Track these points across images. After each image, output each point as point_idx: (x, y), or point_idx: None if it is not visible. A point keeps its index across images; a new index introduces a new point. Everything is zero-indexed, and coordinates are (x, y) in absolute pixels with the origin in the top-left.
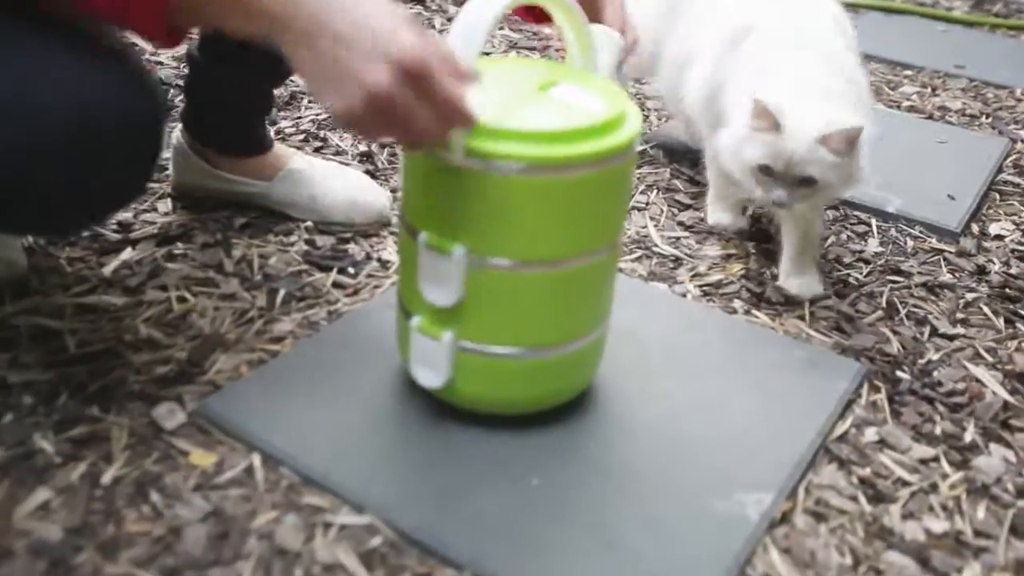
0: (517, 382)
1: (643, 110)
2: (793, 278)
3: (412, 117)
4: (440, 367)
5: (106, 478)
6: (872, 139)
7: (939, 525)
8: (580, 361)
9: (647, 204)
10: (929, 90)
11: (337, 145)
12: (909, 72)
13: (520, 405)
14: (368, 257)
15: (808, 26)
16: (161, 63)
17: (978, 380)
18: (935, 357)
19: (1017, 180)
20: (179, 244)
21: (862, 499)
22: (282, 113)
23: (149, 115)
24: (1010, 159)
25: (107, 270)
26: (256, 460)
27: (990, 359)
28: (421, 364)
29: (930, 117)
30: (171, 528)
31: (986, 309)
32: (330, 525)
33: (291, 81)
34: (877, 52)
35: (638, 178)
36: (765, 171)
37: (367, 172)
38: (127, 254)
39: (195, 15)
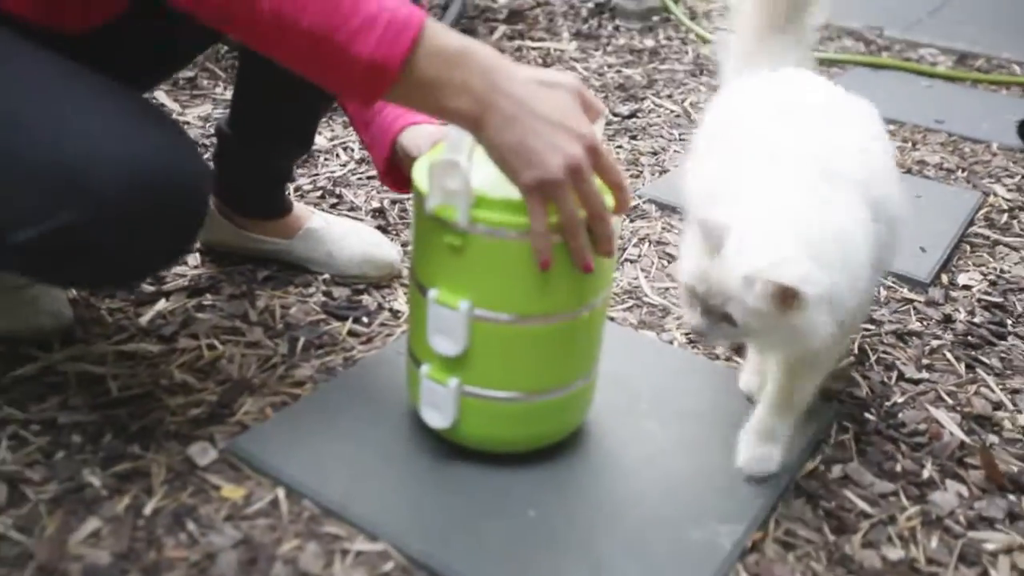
0: (516, 423)
1: (637, 165)
2: (747, 445)
3: (593, 185)
4: (447, 410)
5: (147, 509)
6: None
7: (895, 553)
8: (572, 404)
9: (639, 256)
10: (910, 144)
11: (351, 201)
12: (892, 127)
13: (518, 444)
14: (380, 307)
15: (820, 153)
16: (188, 123)
17: (937, 421)
18: (900, 400)
19: (987, 232)
20: (208, 296)
21: (826, 530)
22: (300, 171)
23: (198, 179)
24: (982, 212)
25: (144, 320)
26: (281, 493)
27: (950, 402)
28: (429, 407)
29: (908, 171)
30: (206, 554)
31: (949, 355)
32: (347, 552)
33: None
34: None
35: (631, 231)
36: (692, 292)
37: (379, 227)
38: (161, 305)
39: (408, 97)
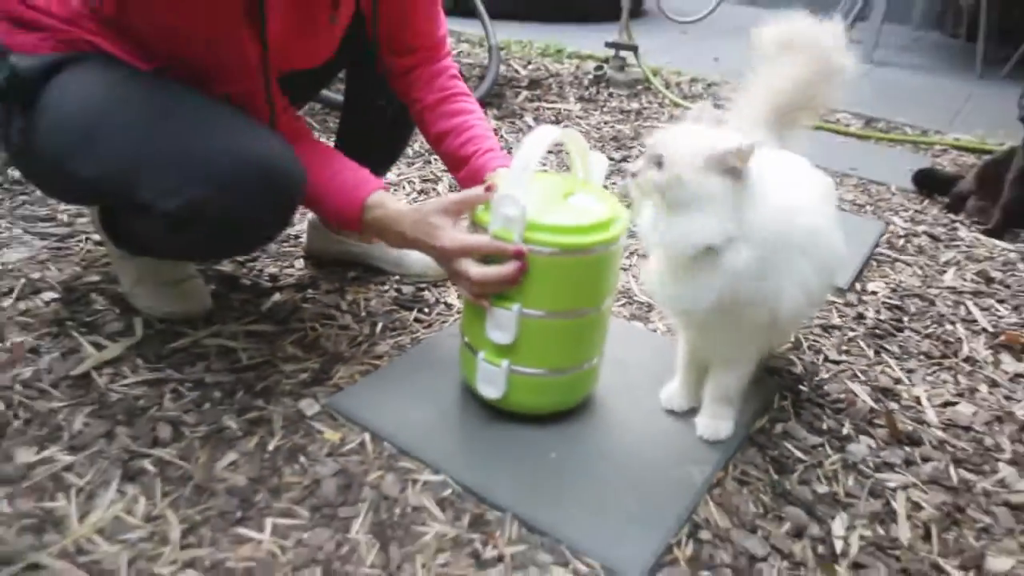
0: (547, 393)
1: (628, 198)
2: (704, 418)
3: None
4: (499, 384)
5: (270, 447)
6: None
7: (823, 488)
8: (587, 378)
9: (630, 266)
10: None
11: None
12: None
13: (547, 408)
14: (437, 301)
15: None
16: None
17: (853, 392)
18: (826, 376)
19: (889, 252)
20: (310, 290)
21: (771, 471)
22: None
23: (292, 172)
24: (885, 237)
25: (264, 307)
26: (367, 437)
27: (863, 378)
28: (485, 383)
29: None
30: (314, 480)
31: (862, 343)
32: (417, 481)
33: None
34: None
35: (625, 248)
36: (650, 151)
37: None
38: (276, 297)
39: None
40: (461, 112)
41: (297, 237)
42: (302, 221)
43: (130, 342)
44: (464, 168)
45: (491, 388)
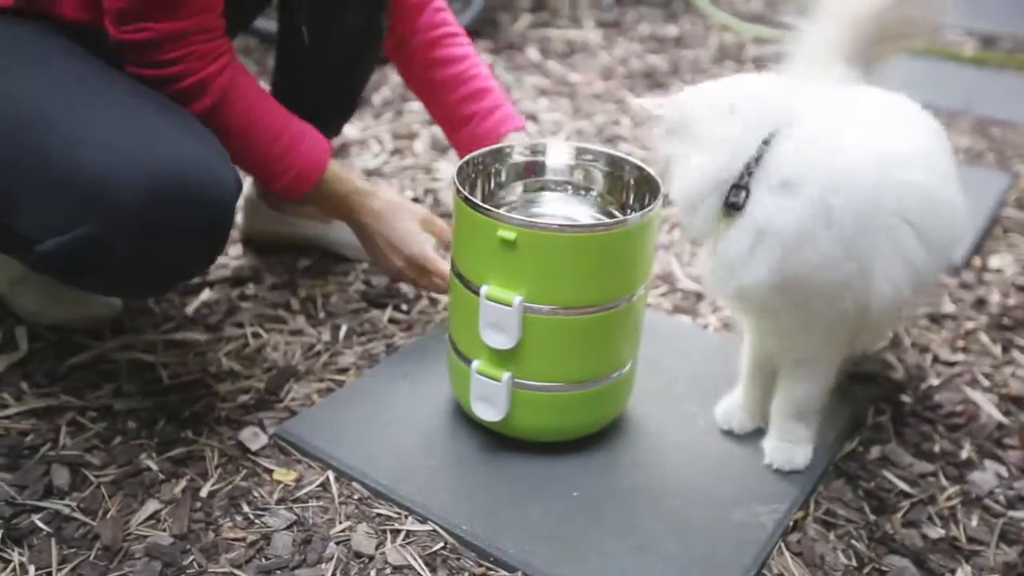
0: (562, 412)
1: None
2: (773, 441)
3: (420, 286)
4: (500, 404)
5: (204, 492)
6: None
7: (936, 532)
8: (615, 391)
9: (671, 243)
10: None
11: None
12: None
13: (565, 433)
14: (419, 295)
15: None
16: None
17: (974, 402)
18: (936, 382)
19: (1018, 215)
20: (250, 285)
21: (867, 509)
22: (336, 161)
23: (222, 191)
24: (1012, 194)
25: (189, 309)
26: (331, 476)
27: (986, 383)
28: (481, 401)
29: None
30: (262, 535)
31: (984, 337)
32: (398, 532)
33: (343, 133)
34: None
35: (663, 217)
36: None
37: None
38: (206, 295)
39: (317, 206)
40: (456, 59)
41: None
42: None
43: (11, 359)
44: (464, 129)
45: (489, 408)
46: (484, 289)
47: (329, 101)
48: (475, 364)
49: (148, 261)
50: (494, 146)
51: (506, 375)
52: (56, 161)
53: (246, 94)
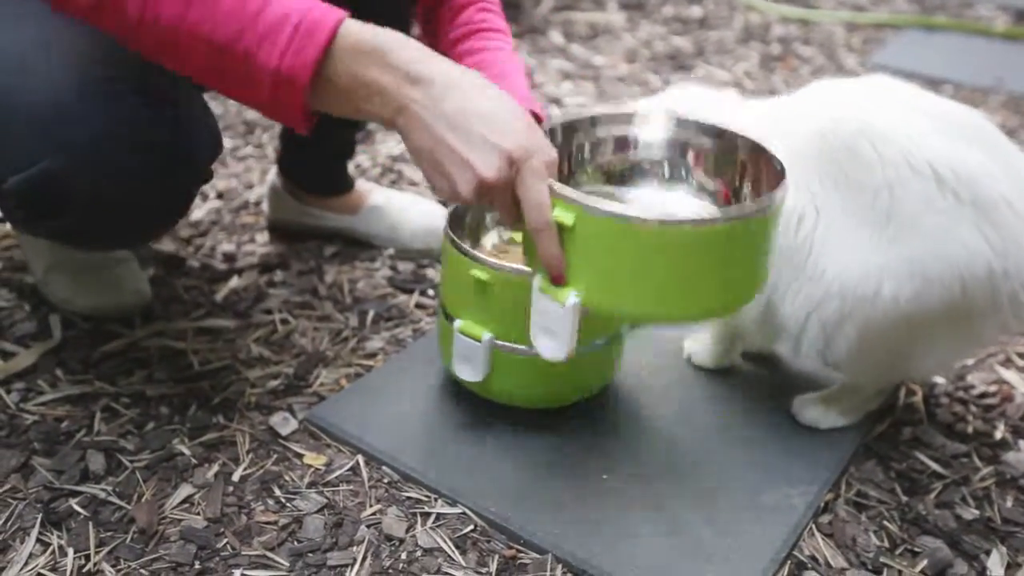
0: (543, 377)
1: None
2: (811, 406)
3: (509, 204)
4: (478, 364)
5: (236, 476)
6: None
7: (970, 513)
8: (600, 359)
9: None
10: (970, 104)
11: (410, 177)
12: (949, 88)
13: (549, 399)
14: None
15: None
16: None
17: (1008, 383)
18: (969, 362)
19: None
20: (278, 272)
21: (899, 490)
22: (359, 148)
23: (187, 136)
24: None
25: (218, 296)
26: (360, 460)
27: (1021, 363)
28: (462, 361)
29: None
30: (294, 518)
31: None
32: (428, 515)
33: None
34: (917, 69)
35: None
36: None
37: (440, 201)
38: (234, 282)
39: (324, 104)
40: (484, 49)
41: (257, 204)
42: (261, 183)
43: (46, 347)
44: None
45: (468, 368)
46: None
47: None
48: (458, 323)
49: (110, 203)
50: (573, 116)
51: (487, 336)
52: (13, 98)
53: None
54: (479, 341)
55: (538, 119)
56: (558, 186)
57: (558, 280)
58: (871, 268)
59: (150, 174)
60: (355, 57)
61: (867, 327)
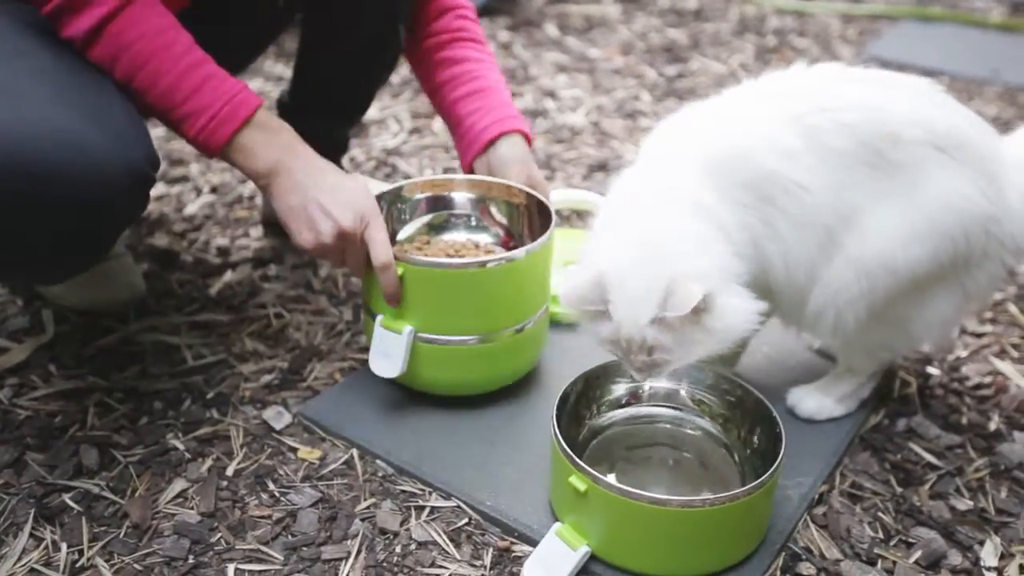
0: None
1: None
2: (807, 397)
3: (358, 252)
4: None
5: (229, 471)
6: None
7: (964, 504)
8: (520, 345)
9: None
10: (966, 96)
11: (405, 171)
12: (945, 79)
13: (472, 387)
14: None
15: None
16: None
17: (1003, 374)
18: (963, 354)
19: None
20: (272, 266)
21: (893, 481)
22: (353, 142)
23: (107, 167)
24: None
25: (212, 291)
26: (355, 454)
27: (1015, 354)
28: (380, 356)
29: None
30: (288, 512)
31: (1013, 308)
32: (422, 508)
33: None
34: (912, 61)
35: None
36: (615, 352)
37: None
38: (228, 276)
39: (231, 161)
40: (466, 60)
41: (251, 198)
42: None
43: (39, 342)
44: (458, 130)
45: (387, 363)
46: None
47: (349, 95)
48: (379, 318)
49: (17, 241)
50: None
51: (407, 328)
52: None
53: (151, 16)
54: (400, 333)
55: (527, 138)
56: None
57: (393, 303)
58: (895, 238)
59: (47, 208)
60: (255, 138)
61: (882, 297)
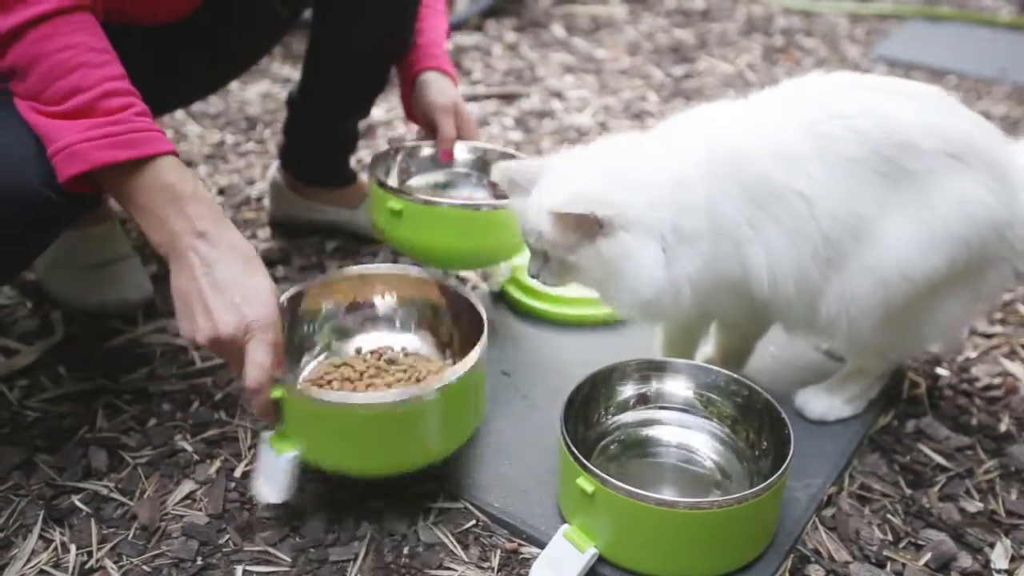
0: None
1: None
2: (816, 399)
3: (238, 362)
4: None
5: (237, 472)
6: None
7: (974, 506)
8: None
9: None
10: (974, 95)
11: None
12: (953, 79)
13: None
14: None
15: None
16: (247, 100)
17: (1013, 375)
18: (973, 355)
19: None
20: (280, 267)
21: (902, 483)
22: (360, 142)
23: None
24: None
25: None
26: None
27: None
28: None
29: None
30: (295, 513)
31: (1023, 309)
32: (430, 510)
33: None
34: (920, 60)
35: None
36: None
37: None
38: None
39: (116, 199)
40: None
41: (259, 199)
42: (263, 179)
43: (48, 344)
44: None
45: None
46: None
47: (361, 83)
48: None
49: None
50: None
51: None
52: None
53: (82, 33)
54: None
55: (448, 75)
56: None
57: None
58: (912, 247)
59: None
60: (158, 192)
61: (900, 305)
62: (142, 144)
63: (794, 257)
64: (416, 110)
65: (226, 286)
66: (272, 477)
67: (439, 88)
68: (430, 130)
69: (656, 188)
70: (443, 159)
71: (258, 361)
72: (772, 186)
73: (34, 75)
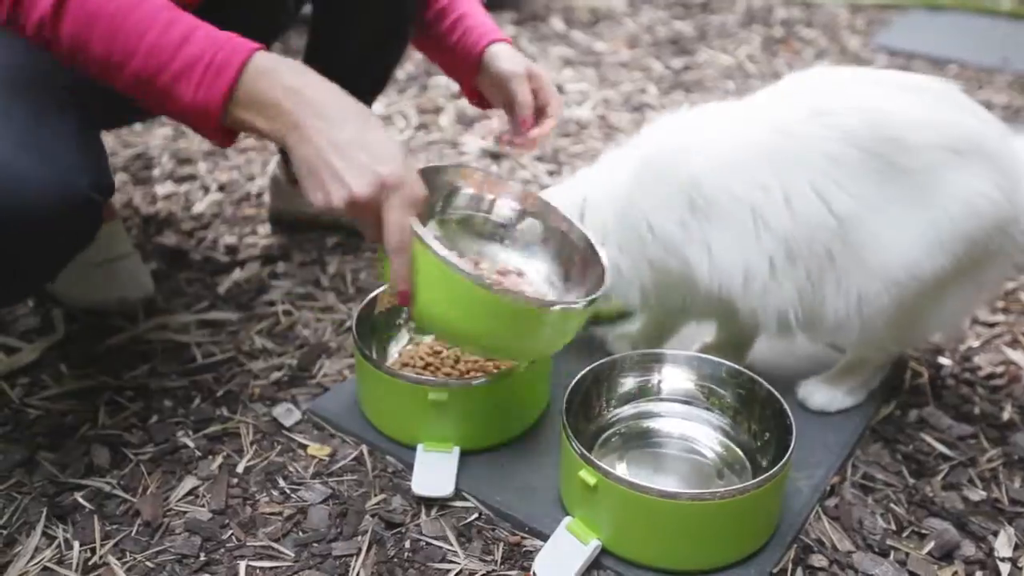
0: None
1: None
2: (818, 390)
3: (373, 224)
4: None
5: (240, 468)
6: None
7: (977, 495)
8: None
9: None
10: (975, 84)
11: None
12: (954, 68)
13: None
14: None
15: None
16: None
17: (1015, 363)
18: (975, 343)
19: None
20: (280, 263)
21: (905, 472)
22: None
23: (36, 195)
24: None
25: (221, 289)
26: (364, 450)
27: None
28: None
29: None
30: (299, 508)
31: None
32: (432, 504)
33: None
34: (921, 50)
35: None
36: None
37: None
38: (236, 274)
39: (242, 125)
40: (439, 2)
41: (259, 195)
42: (263, 175)
43: (50, 342)
44: (450, 56)
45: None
46: None
47: (362, 78)
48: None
49: None
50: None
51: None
52: None
53: None
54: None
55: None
56: (420, 228)
57: (403, 300)
58: (919, 246)
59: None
60: (259, 86)
61: (910, 302)
62: (239, 45)
63: (740, 261)
64: (484, 87)
65: (352, 150)
66: (436, 472)
67: (508, 56)
68: (506, 104)
69: (603, 205)
70: (523, 127)
71: (395, 221)
72: (705, 191)
73: (98, 31)
